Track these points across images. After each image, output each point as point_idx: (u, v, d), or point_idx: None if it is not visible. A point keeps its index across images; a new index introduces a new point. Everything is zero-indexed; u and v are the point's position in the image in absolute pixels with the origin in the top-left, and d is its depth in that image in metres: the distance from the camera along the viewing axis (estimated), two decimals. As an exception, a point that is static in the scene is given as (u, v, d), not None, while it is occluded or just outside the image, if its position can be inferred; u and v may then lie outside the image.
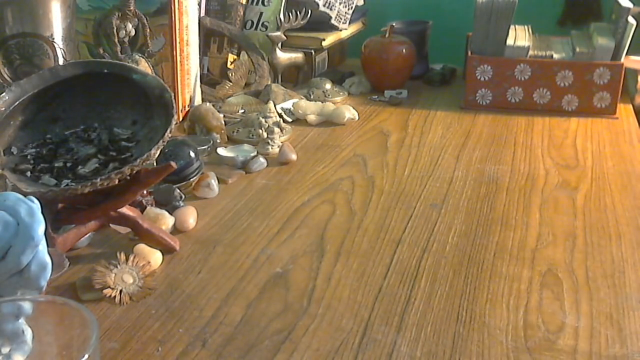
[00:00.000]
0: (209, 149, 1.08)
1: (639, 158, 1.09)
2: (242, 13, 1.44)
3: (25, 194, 0.64)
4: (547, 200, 0.93)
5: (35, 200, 0.63)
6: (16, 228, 0.60)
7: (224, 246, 0.82)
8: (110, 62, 0.84)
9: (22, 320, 0.53)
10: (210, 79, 1.39)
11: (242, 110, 1.27)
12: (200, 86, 1.28)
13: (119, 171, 0.72)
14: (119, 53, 1.17)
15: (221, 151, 1.06)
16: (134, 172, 0.74)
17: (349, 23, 1.56)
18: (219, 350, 0.63)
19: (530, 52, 1.30)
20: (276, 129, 1.11)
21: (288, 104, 1.27)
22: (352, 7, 1.55)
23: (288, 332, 0.65)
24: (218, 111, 1.19)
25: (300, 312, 0.68)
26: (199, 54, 1.27)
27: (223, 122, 1.15)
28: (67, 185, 0.74)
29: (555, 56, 1.30)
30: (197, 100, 1.26)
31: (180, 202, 0.90)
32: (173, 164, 0.75)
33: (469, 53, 1.34)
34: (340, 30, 1.54)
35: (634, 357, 0.62)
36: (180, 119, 1.20)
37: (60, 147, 0.80)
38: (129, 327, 0.66)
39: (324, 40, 1.47)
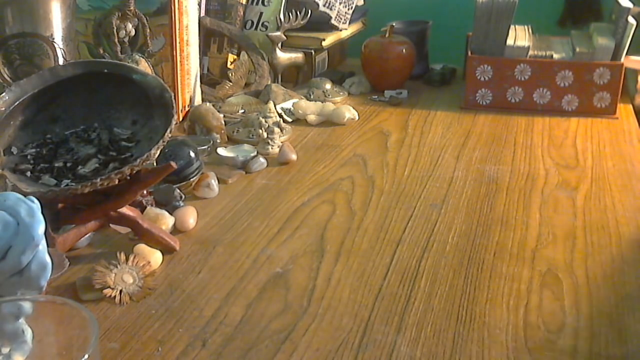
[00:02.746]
0: (209, 149, 1.08)
1: (639, 158, 1.09)
2: (242, 13, 1.44)
3: (25, 194, 0.64)
4: (547, 200, 0.93)
5: (35, 200, 0.63)
6: (16, 228, 0.60)
7: (224, 246, 0.82)
8: (110, 62, 0.84)
9: (22, 320, 0.53)
10: (210, 79, 1.39)
11: (242, 110, 1.27)
12: (200, 86, 1.28)
13: (119, 171, 0.72)
14: (119, 53, 1.17)
15: (221, 151, 1.06)
16: (134, 172, 0.74)
17: (349, 23, 1.56)
18: (219, 350, 0.63)
19: (530, 52, 1.30)
20: (276, 129, 1.11)
21: (288, 104, 1.27)
22: (352, 7, 1.55)
23: (288, 332, 0.65)
24: (218, 111, 1.19)
25: (300, 312, 0.68)
26: (199, 54, 1.27)
27: (223, 122, 1.15)
28: (67, 185, 0.74)
29: (555, 56, 1.30)
30: (197, 100, 1.26)
31: (180, 202, 0.90)
32: (173, 164, 0.75)
33: (469, 53, 1.34)
34: (340, 30, 1.54)
35: (634, 357, 0.62)
36: (180, 119, 1.20)
37: (60, 147, 0.80)
38: (129, 327, 0.66)
39: (324, 40, 1.47)
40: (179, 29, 1.19)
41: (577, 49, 1.29)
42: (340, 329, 0.66)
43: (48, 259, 0.63)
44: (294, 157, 1.06)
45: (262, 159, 1.05)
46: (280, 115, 1.19)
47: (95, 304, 0.69)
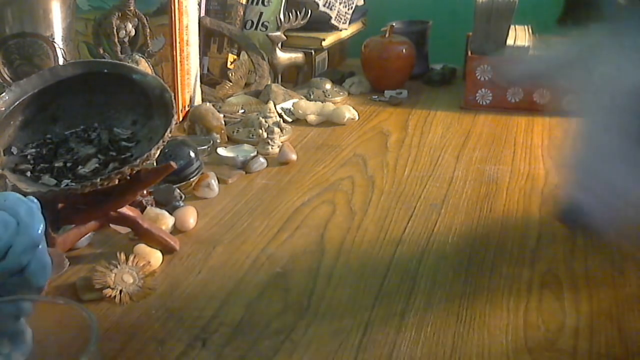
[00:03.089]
0: (209, 149, 1.08)
1: (639, 158, 1.09)
2: (242, 13, 1.44)
3: (25, 194, 0.64)
4: (547, 200, 0.93)
5: (35, 200, 0.63)
6: (16, 228, 0.60)
7: (224, 246, 0.82)
8: (110, 62, 0.84)
9: (22, 320, 0.53)
10: (210, 79, 1.39)
11: (242, 110, 1.27)
12: (200, 86, 1.28)
13: (119, 171, 0.72)
14: (119, 53, 1.17)
15: (221, 151, 1.06)
16: (134, 172, 0.74)
17: (349, 23, 1.56)
18: (219, 350, 0.63)
19: (530, 52, 1.30)
20: (276, 129, 1.11)
21: (288, 104, 1.27)
22: (352, 7, 1.55)
23: (288, 332, 0.65)
24: (218, 111, 1.19)
25: (300, 312, 0.68)
26: (199, 54, 1.27)
27: (223, 122, 1.16)
28: (67, 185, 0.74)
29: (555, 56, 1.30)
30: (197, 100, 1.26)
31: (180, 202, 0.90)
32: (173, 164, 0.75)
33: (469, 53, 1.34)
34: (340, 30, 1.54)
35: (634, 357, 0.62)
36: (180, 119, 1.20)
37: (60, 147, 0.80)
38: (129, 327, 0.66)
39: (324, 40, 1.47)
40: (179, 29, 1.19)
41: (577, 49, 1.29)
42: (340, 329, 0.66)
43: (48, 259, 0.63)
44: (294, 157, 1.06)
45: (262, 159, 1.05)
46: (280, 115, 1.19)
47: (95, 304, 0.69)
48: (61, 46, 1.04)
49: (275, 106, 1.17)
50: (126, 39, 1.19)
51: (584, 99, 0.63)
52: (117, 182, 0.73)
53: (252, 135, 1.13)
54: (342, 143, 1.15)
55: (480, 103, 1.33)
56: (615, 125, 0.58)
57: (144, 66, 1.16)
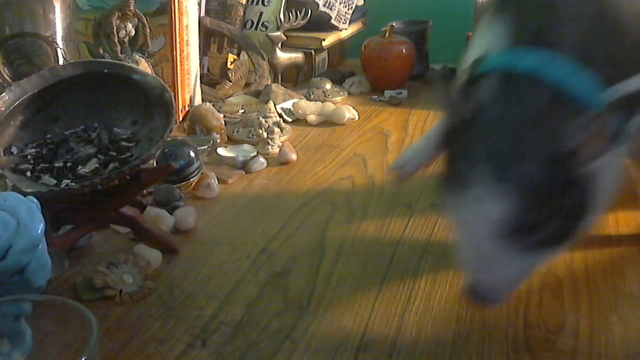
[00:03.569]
0: (209, 149, 1.08)
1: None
2: (242, 13, 1.44)
3: (25, 194, 0.64)
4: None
5: (35, 200, 0.64)
6: (16, 228, 0.60)
7: (224, 246, 0.82)
8: (110, 62, 0.84)
9: (22, 320, 0.53)
10: (210, 79, 1.39)
11: (242, 110, 1.27)
12: (200, 86, 1.28)
13: (119, 171, 0.72)
14: (119, 53, 1.17)
15: (221, 151, 1.06)
16: (134, 172, 0.74)
17: (349, 23, 1.56)
18: (219, 350, 0.63)
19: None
20: (276, 129, 1.11)
21: (288, 104, 1.27)
22: (352, 7, 1.55)
23: (288, 332, 0.65)
24: (218, 111, 1.19)
25: (300, 312, 0.68)
26: (199, 54, 1.27)
27: (223, 122, 1.15)
28: (67, 185, 0.74)
29: (555, 56, 1.29)
30: (197, 100, 1.26)
31: (180, 202, 0.90)
32: (173, 164, 0.76)
33: (469, 53, 1.33)
34: (340, 30, 1.54)
35: (634, 357, 0.62)
36: (180, 119, 1.20)
37: (60, 147, 0.80)
38: (129, 327, 0.66)
39: (324, 40, 1.47)
40: (179, 29, 1.19)
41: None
42: (340, 329, 0.66)
43: (48, 259, 0.64)
44: (294, 157, 1.06)
45: (262, 159, 1.05)
46: (280, 115, 1.19)
47: (95, 304, 0.69)
48: (61, 46, 1.04)
49: (275, 106, 1.17)
50: (126, 39, 1.19)
51: None
52: (117, 182, 0.73)
53: (252, 135, 1.13)
54: (342, 143, 1.15)
55: (480, 103, 1.33)
56: None
57: (144, 66, 1.16)
